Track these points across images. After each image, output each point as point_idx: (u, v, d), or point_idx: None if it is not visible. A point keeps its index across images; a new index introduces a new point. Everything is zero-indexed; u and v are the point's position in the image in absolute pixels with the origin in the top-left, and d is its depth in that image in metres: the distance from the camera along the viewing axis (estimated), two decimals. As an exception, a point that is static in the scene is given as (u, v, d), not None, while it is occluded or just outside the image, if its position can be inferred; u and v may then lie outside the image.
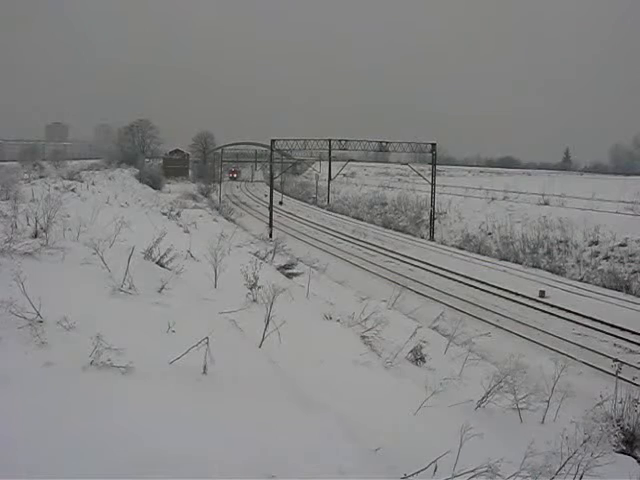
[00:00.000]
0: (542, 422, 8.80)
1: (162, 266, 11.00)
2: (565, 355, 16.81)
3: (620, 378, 10.69)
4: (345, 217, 62.46)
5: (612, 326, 22.56)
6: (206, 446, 4.59)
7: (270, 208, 50.81)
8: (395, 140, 53.32)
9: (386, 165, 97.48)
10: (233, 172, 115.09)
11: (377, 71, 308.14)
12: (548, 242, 37.18)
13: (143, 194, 47.64)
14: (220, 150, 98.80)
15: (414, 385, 8.67)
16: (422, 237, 48.74)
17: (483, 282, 30.41)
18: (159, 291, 8.64)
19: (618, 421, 8.37)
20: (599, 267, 32.53)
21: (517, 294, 27.96)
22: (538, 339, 21.36)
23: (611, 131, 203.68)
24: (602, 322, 23.08)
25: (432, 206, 49.60)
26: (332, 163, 60.14)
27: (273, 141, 51.20)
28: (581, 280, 32.17)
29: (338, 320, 11.83)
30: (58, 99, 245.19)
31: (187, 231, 22.33)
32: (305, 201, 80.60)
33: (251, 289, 11.00)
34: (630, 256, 31.81)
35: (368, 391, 7.83)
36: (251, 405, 5.53)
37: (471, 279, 31.20)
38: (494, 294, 28.39)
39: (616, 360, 15.43)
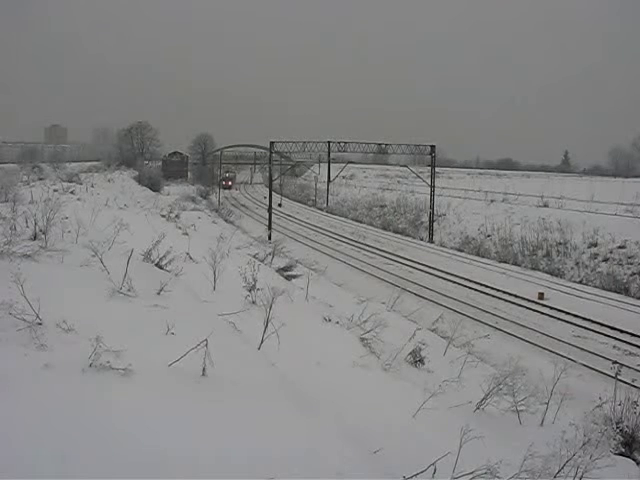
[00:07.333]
0: (541, 424, 8.80)
1: (161, 268, 11.00)
2: (564, 357, 16.79)
3: (619, 380, 10.69)
4: (344, 219, 62.47)
5: (611, 328, 22.57)
6: (205, 447, 4.59)
7: (269, 210, 50.79)
8: (394, 142, 53.40)
9: (385, 167, 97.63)
10: (227, 181, 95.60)
11: (377, 73, 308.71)
12: (547, 244, 37.19)
13: (142, 196, 47.60)
14: (219, 152, 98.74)
15: (413, 387, 8.67)
16: (421, 239, 48.74)
17: (482, 284, 30.39)
18: (158, 293, 8.64)
19: (617, 423, 8.37)
20: (598, 269, 32.54)
21: (516, 296, 27.94)
22: (537, 341, 21.34)
23: (610, 133, 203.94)
24: (601, 324, 23.08)
25: (431, 208, 49.59)
26: (331, 165, 60.02)
27: (272, 143, 51.16)
28: (580, 282, 32.17)
29: (337, 322, 11.85)
30: (57, 101, 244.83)
31: (186, 233, 22.30)
32: (304, 203, 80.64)
33: (250, 291, 11.00)
34: (629, 258, 31.83)
35: (367, 393, 7.84)
36: (250, 407, 5.53)
37: (470, 281, 31.19)
38: (493, 296, 28.39)
39: (615, 362, 15.42)
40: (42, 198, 16.08)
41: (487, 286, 29.98)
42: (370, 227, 55.80)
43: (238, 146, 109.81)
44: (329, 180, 62.21)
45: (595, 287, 30.88)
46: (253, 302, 10.47)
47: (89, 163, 79.19)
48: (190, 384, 5.74)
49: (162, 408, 5.09)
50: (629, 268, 31.15)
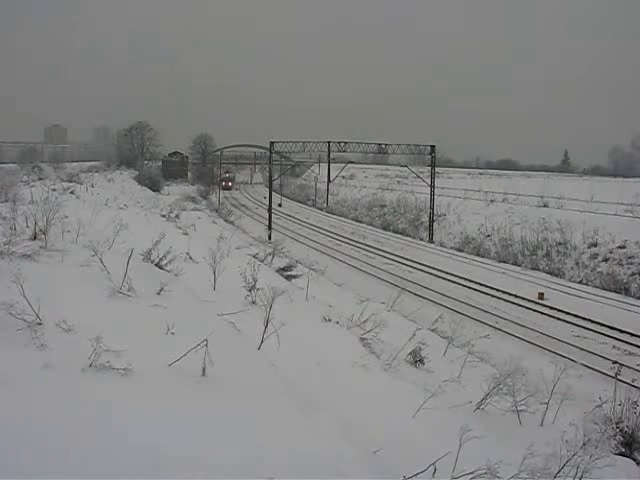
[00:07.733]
0: (541, 424, 8.81)
1: (161, 268, 11.00)
2: (564, 357, 16.80)
3: (619, 380, 10.69)
4: (344, 219, 62.43)
5: (611, 328, 22.58)
6: (205, 447, 4.59)
7: (269, 210, 50.78)
8: (394, 142, 53.32)
9: (385, 167, 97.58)
10: (227, 181, 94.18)
11: (377, 73, 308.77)
12: (547, 244, 37.18)
13: (142, 196, 47.58)
14: (219, 152, 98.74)
15: (413, 387, 8.67)
16: (421, 239, 48.72)
17: (482, 284, 30.40)
18: (158, 293, 8.64)
19: (617, 423, 8.37)
20: (598, 269, 32.53)
21: (516, 296, 27.96)
22: (537, 341, 21.35)
23: (610, 133, 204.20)
24: (601, 324, 23.09)
25: (431, 208, 49.56)
26: (331, 165, 60.07)
27: (272, 143, 51.10)
28: (580, 282, 32.16)
29: (337, 322, 11.85)
30: (57, 101, 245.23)
31: (186, 233, 22.31)
32: (304, 203, 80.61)
33: (250, 291, 11.01)
34: (629, 258, 31.82)
35: (367, 393, 7.83)
36: (250, 407, 5.53)
37: (470, 281, 31.20)
38: (493, 296, 28.39)
39: (615, 362, 15.42)
40: (42, 198, 16.08)
41: (487, 286, 29.99)
42: (370, 227, 55.78)
43: (238, 146, 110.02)
44: (329, 180, 62.24)
45: (595, 287, 30.87)
46: (253, 302, 10.47)
47: (89, 163, 79.19)
48: (190, 384, 5.74)
49: (162, 408, 5.09)
50: (629, 268, 31.15)
